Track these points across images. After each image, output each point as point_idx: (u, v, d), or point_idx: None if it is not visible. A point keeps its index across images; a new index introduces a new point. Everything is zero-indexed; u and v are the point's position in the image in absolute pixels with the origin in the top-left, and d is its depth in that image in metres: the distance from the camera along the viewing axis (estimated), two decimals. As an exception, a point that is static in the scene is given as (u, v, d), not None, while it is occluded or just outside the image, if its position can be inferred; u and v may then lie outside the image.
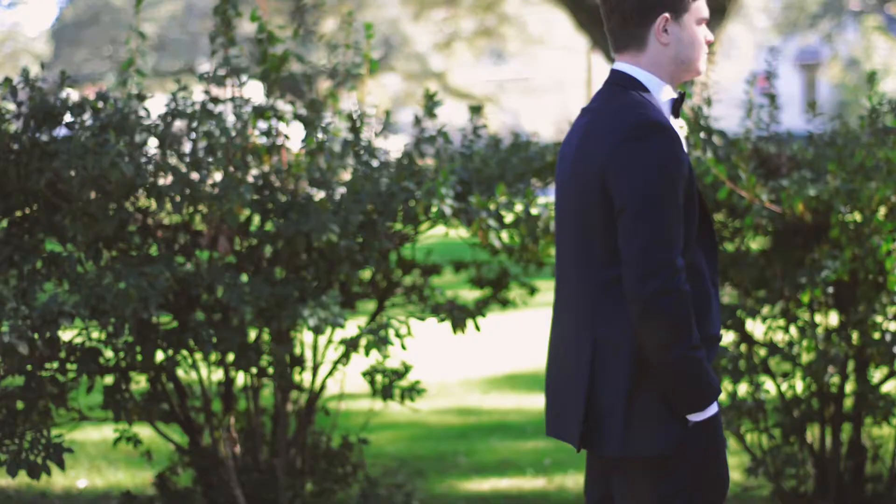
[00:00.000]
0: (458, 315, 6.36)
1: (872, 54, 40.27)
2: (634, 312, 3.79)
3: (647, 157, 3.80)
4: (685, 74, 4.05)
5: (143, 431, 6.87)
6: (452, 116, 6.30)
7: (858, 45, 40.87)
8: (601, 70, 36.69)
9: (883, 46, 40.81)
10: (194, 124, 6.12)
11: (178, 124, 6.24)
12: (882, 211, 6.09)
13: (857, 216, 6.17)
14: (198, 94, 6.27)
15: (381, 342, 5.95)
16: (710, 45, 4.07)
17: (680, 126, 4.09)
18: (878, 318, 6.41)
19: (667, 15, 3.95)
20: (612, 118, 3.90)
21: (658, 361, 3.79)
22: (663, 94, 4.00)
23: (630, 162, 3.80)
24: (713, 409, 3.84)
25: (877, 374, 6.64)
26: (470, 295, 7.05)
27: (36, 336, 5.51)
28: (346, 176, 6.37)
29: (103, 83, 37.43)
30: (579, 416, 3.90)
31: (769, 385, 6.81)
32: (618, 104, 3.93)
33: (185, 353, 6.16)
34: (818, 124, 6.80)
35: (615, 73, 4.04)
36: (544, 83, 45.62)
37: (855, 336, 6.47)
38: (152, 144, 6.10)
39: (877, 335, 6.39)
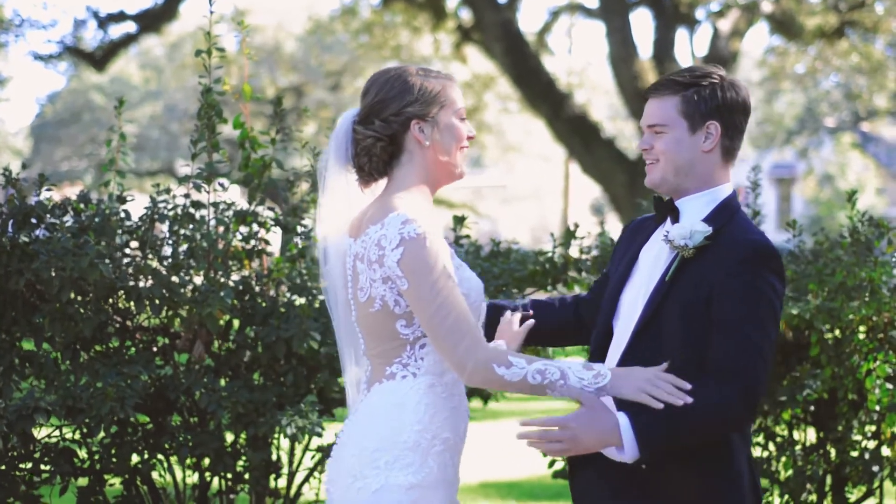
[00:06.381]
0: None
1: (847, 170, 40.73)
2: None
3: None
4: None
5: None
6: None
7: (833, 161, 41.34)
8: (578, 180, 36.91)
9: (857, 163, 41.31)
10: (175, 227, 6.12)
11: (159, 227, 6.23)
12: (862, 330, 6.10)
13: (838, 334, 6.19)
14: (179, 196, 6.25)
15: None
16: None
17: None
18: (857, 437, 6.41)
19: None
20: None
21: None
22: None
23: None
24: None
25: (854, 493, 6.61)
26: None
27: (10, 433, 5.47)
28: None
29: (82, 182, 37.50)
30: None
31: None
32: None
33: (160, 455, 6.10)
34: (797, 242, 6.82)
35: None
36: (521, 191, 45.88)
37: (833, 453, 6.46)
38: (132, 246, 6.08)
39: (855, 453, 6.39)
